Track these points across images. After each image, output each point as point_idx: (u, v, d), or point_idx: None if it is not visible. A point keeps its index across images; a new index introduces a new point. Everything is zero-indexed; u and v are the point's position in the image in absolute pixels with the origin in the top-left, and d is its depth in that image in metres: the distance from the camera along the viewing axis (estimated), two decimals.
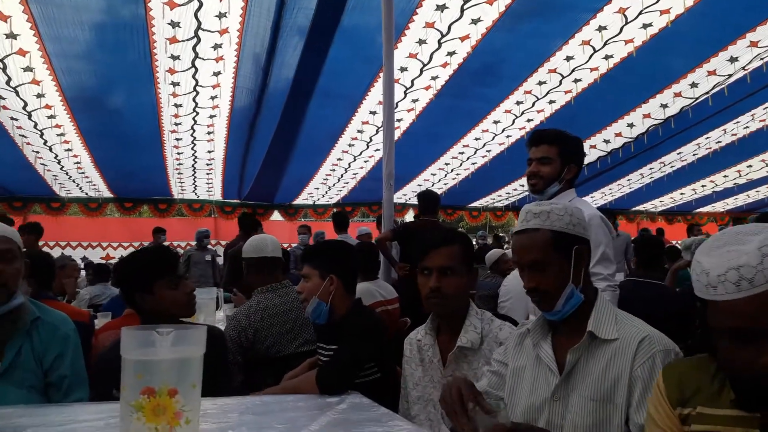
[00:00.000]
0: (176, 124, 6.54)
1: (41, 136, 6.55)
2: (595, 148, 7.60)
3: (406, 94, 6.12)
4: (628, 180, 9.60)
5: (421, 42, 5.20)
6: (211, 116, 6.43)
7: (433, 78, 5.85)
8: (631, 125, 6.98)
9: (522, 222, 1.58)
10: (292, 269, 6.37)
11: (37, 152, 7.10)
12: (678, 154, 8.20)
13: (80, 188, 8.92)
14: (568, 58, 5.46)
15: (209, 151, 7.50)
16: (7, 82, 5.30)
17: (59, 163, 7.52)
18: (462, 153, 7.99)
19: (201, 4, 4.52)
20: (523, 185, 9.00)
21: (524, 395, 1.59)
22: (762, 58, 5.26)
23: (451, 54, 5.39)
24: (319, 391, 1.95)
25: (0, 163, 7.38)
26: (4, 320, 1.85)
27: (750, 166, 9.08)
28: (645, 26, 4.91)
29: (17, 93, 5.51)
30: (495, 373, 1.71)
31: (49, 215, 9.15)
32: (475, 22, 4.90)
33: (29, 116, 6.02)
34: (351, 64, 5.49)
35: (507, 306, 4.39)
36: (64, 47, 4.98)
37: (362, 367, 2.08)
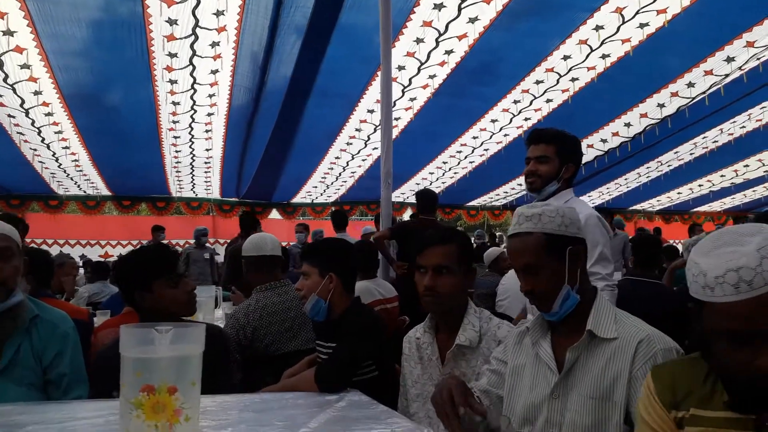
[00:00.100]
0: (174, 122, 6.53)
1: (39, 133, 6.55)
2: (593, 147, 7.62)
3: (404, 92, 6.13)
4: (626, 179, 9.62)
5: (418, 41, 5.21)
6: (209, 114, 6.43)
7: (431, 77, 5.86)
8: (628, 125, 7.00)
9: (515, 225, 1.58)
10: (290, 268, 6.38)
11: (35, 150, 7.09)
12: (675, 153, 8.23)
13: (78, 186, 8.91)
14: (566, 58, 5.48)
15: (207, 149, 7.50)
16: (4, 80, 5.29)
17: (57, 160, 7.51)
18: (460, 152, 8.00)
19: (198, 2, 4.53)
20: (521, 184, 9.02)
21: (523, 393, 1.60)
22: (758, 58, 5.28)
23: (448, 53, 5.40)
24: (318, 389, 1.96)
25: None
26: (3, 318, 1.85)
27: (747, 165, 9.12)
28: (642, 26, 4.92)
29: (14, 90, 5.51)
30: (494, 372, 1.72)
31: (47, 213, 9.15)
32: (472, 21, 4.91)
33: (27, 113, 6.02)
34: (348, 62, 5.50)
35: (505, 305, 4.40)
36: (62, 44, 4.98)
37: (361, 365, 2.09)
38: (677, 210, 12.02)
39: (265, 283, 3.00)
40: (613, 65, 5.51)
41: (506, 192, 10.17)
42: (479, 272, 5.16)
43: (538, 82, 5.98)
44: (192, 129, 6.79)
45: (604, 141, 7.49)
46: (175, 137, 6.98)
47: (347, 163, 8.32)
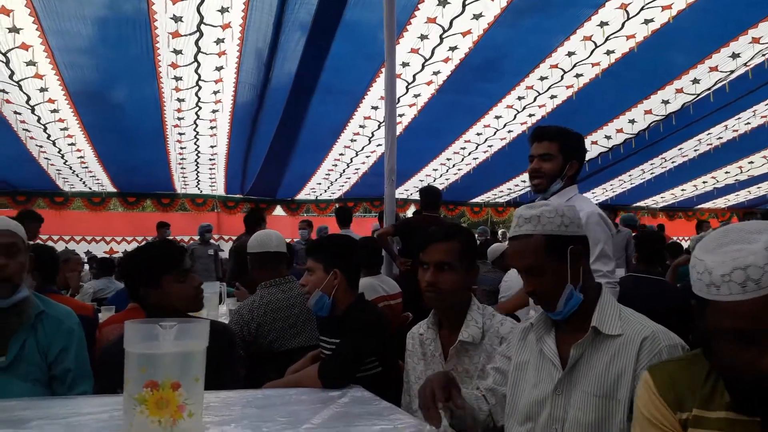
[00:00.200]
0: (179, 119, 6.55)
1: (45, 130, 6.57)
2: (597, 144, 7.60)
3: (407, 89, 6.13)
4: (629, 176, 9.59)
5: (422, 37, 5.20)
6: (214, 111, 6.44)
7: (435, 73, 5.85)
8: (632, 121, 6.98)
9: (515, 227, 1.58)
10: (294, 264, 6.40)
11: (41, 146, 7.12)
12: (679, 150, 8.20)
13: (83, 183, 8.94)
14: (570, 54, 5.46)
15: (212, 146, 7.52)
16: (11, 76, 5.31)
17: (63, 157, 7.54)
18: (464, 148, 7.99)
19: None
20: (524, 181, 9.01)
21: (527, 389, 1.61)
22: (764, 54, 5.25)
23: (452, 49, 5.39)
24: (322, 385, 1.97)
25: (4, 158, 7.40)
26: (8, 314, 1.87)
27: (751, 162, 9.07)
28: (646, 22, 4.91)
29: (20, 87, 5.53)
30: (498, 370, 1.73)
31: (53, 209, 9.18)
32: (476, 17, 4.90)
33: (32, 110, 6.04)
34: (353, 59, 5.50)
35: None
36: (67, 41, 5.00)
37: (364, 361, 2.09)
38: (681, 207, 11.98)
39: (269, 280, 3.01)
40: (618, 61, 5.49)
41: (510, 189, 10.16)
42: (482, 268, 5.16)
43: (542, 79, 5.97)
44: (197, 126, 6.80)
45: (608, 138, 7.47)
46: (180, 134, 6.99)
47: (351, 159, 8.32)
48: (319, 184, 9.60)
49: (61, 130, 6.63)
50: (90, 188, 9.27)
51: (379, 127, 6.97)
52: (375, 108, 6.56)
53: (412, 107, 6.61)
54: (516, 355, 1.69)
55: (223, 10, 4.69)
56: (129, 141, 7.12)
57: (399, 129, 6.51)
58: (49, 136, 6.77)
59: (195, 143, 7.37)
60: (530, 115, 6.84)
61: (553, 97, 6.36)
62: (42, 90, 5.65)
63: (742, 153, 8.61)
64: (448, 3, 4.74)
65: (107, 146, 7.31)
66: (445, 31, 5.10)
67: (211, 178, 9.13)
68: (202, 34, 4.95)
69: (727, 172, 9.60)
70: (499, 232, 12.57)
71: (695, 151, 8.32)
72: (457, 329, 1.92)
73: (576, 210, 1.61)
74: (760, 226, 1.04)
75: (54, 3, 4.47)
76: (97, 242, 10.10)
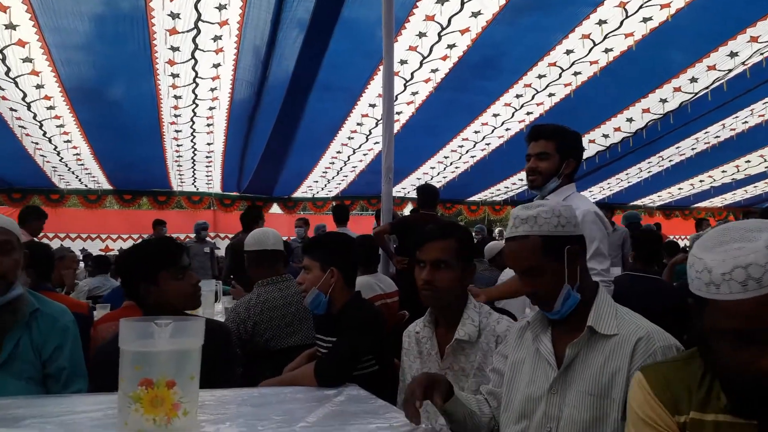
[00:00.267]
0: (176, 116, 6.53)
1: (40, 127, 6.55)
2: (594, 142, 7.60)
3: (405, 86, 6.12)
4: (627, 174, 9.60)
5: (421, 35, 5.19)
6: (211, 108, 6.42)
7: (433, 71, 5.84)
8: (630, 120, 6.98)
9: (511, 228, 1.58)
10: (290, 262, 6.39)
11: (37, 143, 7.10)
12: (676, 148, 8.21)
13: (79, 180, 8.92)
14: (568, 52, 5.46)
15: (209, 144, 7.50)
16: (7, 73, 5.29)
17: (58, 154, 7.52)
18: (461, 146, 7.99)
19: None
20: (522, 179, 9.01)
21: (522, 386, 1.61)
22: (762, 53, 5.26)
23: (451, 47, 5.38)
24: (318, 384, 1.96)
25: None
26: (2, 311, 1.85)
27: (748, 161, 9.09)
28: (645, 20, 4.90)
29: (16, 84, 5.50)
30: (496, 371, 1.73)
31: (49, 207, 9.10)
32: (475, 15, 4.90)
33: (28, 107, 6.02)
34: (351, 57, 5.49)
35: (504, 300, 4.40)
36: (64, 38, 4.97)
37: (360, 359, 2.09)
38: (678, 206, 11.99)
39: (266, 278, 3.01)
40: (616, 59, 5.49)
41: (507, 187, 10.16)
42: (480, 267, 5.16)
43: (540, 77, 5.96)
44: (193, 123, 6.78)
45: (605, 136, 7.47)
46: (177, 131, 6.97)
47: (348, 157, 8.31)
48: (316, 182, 9.59)
49: (57, 127, 6.61)
50: (86, 185, 9.25)
51: (376, 124, 6.96)
52: (372, 106, 6.55)
53: (410, 105, 6.60)
54: (512, 353, 1.69)
55: (220, 7, 4.67)
56: (125, 138, 7.10)
57: (396, 127, 6.50)
58: (45, 133, 6.75)
59: (191, 140, 7.35)
60: (528, 113, 6.84)
61: (551, 95, 6.35)
62: (38, 87, 5.63)
63: (740, 152, 8.63)
64: (447, 0, 4.73)
65: (103, 143, 7.29)
66: (443, 29, 5.10)
67: (207, 176, 9.11)
68: (199, 31, 4.93)
69: (724, 171, 9.62)
70: (496, 230, 12.58)
71: (692, 149, 8.34)
72: (454, 327, 1.92)
73: (572, 209, 1.61)
74: (760, 225, 1.03)
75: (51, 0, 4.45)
76: (92, 240, 10.07)
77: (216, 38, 5.05)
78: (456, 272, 1.93)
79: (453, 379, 1.88)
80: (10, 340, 1.87)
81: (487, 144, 7.86)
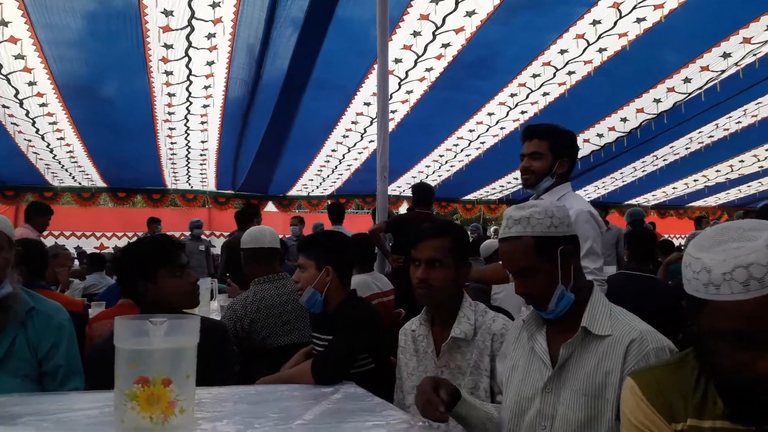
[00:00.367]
0: (169, 114, 6.51)
1: (33, 124, 6.51)
2: (589, 142, 7.62)
3: (400, 85, 6.12)
4: (621, 173, 9.63)
5: (415, 34, 5.19)
6: (205, 106, 6.40)
7: (428, 70, 5.84)
8: (624, 119, 7.00)
9: (504, 229, 1.59)
10: (285, 260, 6.39)
11: (29, 141, 7.05)
12: (670, 148, 8.24)
13: (73, 177, 8.86)
14: (562, 52, 5.48)
15: (203, 141, 7.47)
16: None
17: (51, 151, 7.47)
18: (456, 145, 8.00)
19: None
20: (516, 178, 9.02)
21: (517, 385, 1.62)
22: (755, 54, 5.28)
23: (445, 46, 5.39)
24: (314, 381, 1.97)
25: None
26: None
27: (742, 161, 9.13)
28: (639, 20, 4.92)
29: (8, 80, 5.47)
30: (502, 373, 1.76)
31: None
32: (469, 14, 4.90)
33: (21, 104, 5.98)
34: (345, 55, 5.49)
35: (500, 298, 4.42)
36: (56, 35, 4.95)
37: (357, 357, 2.09)
38: (672, 205, 12.04)
39: (263, 276, 3.01)
40: (610, 59, 5.50)
41: (502, 186, 10.17)
42: (474, 265, 5.16)
43: (534, 76, 5.97)
44: (187, 121, 6.76)
45: (600, 135, 7.49)
46: (171, 129, 6.95)
47: (343, 156, 8.30)
48: (311, 180, 9.58)
49: (50, 124, 6.57)
50: (79, 183, 9.19)
51: (371, 123, 6.96)
52: (367, 104, 6.55)
53: (404, 104, 6.60)
54: (511, 353, 1.70)
55: (214, 5, 4.66)
56: (119, 136, 7.07)
57: (391, 125, 6.50)
58: (37, 131, 6.71)
59: (186, 138, 7.32)
60: (522, 113, 6.85)
61: (545, 94, 6.37)
62: (31, 84, 5.59)
63: (733, 152, 8.67)
64: (441, 0, 4.74)
65: (97, 141, 7.26)
66: (438, 28, 5.10)
67: (202, 174, 9.08)
68: (193, 29, 4.92)
69: (717, 171, 9.66)
70: (491, 229, 12.60)
71: (686, 149, 8.37)
72: (449, 326, 1.93)
73: (565, 210, 1.61)
74: (757, 224, 1.01)
75: None
76: (87, 237, 10.04)
77: (210, 36, 5.04)
78: (451, 271, 1.94)
79: (449, 377, 1.89)
80: (5, 338, 1.87)
81: (482, 143, 7.87)
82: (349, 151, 8.08)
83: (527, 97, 6.43)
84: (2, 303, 1.86)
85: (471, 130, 7.46)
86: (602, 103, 6.69)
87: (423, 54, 5.51)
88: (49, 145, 7.20)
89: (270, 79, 5.70)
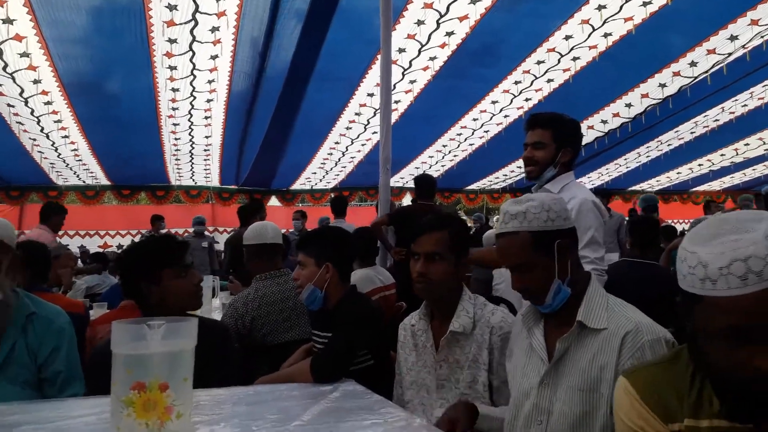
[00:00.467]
0: (173, 109, 6.49)
1: (38, 122, 6.51)
2: (593, 128, 7.58)
3: (404, 75, 6.08)
4: (625, 159, 9.57)
5: (419, 23, 5.16)
6: (209, 101, 6.39)
7: (432, 59, 5.81)
8: (629, 105, 6.95)
9: (501, 224, 1.58)
10: (288, 256, 6.37)
11: (34, 140, 7.06)
12: (675, 132, 8.17)
13: (77, 176, 8.87)
14: (567, 37, 5.43)
15: (207, 137, 7.46)
16: (4, 68, 5.25)
17: (56, 150, 7.48)
18: (460, 134, 7.96)
19: None
20: (520, 167, 8.98)
21: (517, 378, 1.63)
22: (762, 36, 5.21)
23: (449, 34, 5.35)
24: (314, 380, 1.95)
25: None
26: None
27: (747, 144, 9.04)
28: (645, 4, 4.87)
29: (14, 79, 5.47)
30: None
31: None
32: (473, 2, 4.87)
33: (26, 103, 5.98)
34: (349, 46, 5.45)
35: (501, 288, 4.39)
36: (61, 32, 4.94)
37: (357, 354, 2.08)
38: (676, 190, 11.96)
39: (265, 272, 3.00)
40: (615, 44, 5.46)
41: (506, 175, 10.13)
42: None
43: (539, 63, 5.93)
44: (191, 116, 6.75)
45: (604, 122, 7.44)
46: (175, 124, 6.94)
47: (347, 148, 8.28)
48: (314, 173, 9.56)
49: (55, 122, 6.57)
50: (84, 181, 9.20)
51: (374, 114, 6.92)
52: (371, 95, 6.51)
53: (408, 93, 6.57)
54: (515, 349, 1.71)
55: None
56: (123, 133, 7.06)
57: (395, 116, 6.48)
58: (42, 129, 6.71)
59: (189, 134, 7.31)
60: (527, 100, 6.81)
61: (549, 80, 6.32)
62: (35, 82, 5.59)
63: (738, 135, 8.58)
64: None
65: (101, 138, 7.25)
66: (441, 16, 5.06)
67: (205, 169, 9.07)
68: (197, 23, 4.90)
69: (722, 155, 9.58)
70: (493, 218, 12.56)
71: (691, 133, 8.30)
72: (449, 319, 1.92)
73: (563, 202, 1.61)
74: (755, 215, 0.96)
75: None
76: (91, 236, 10.06)
77: (214, 29, 5.01)
78: (450, 264, 1.92)
79: (448, 371, 1.89)
80: (5, 344, 1.86)
81: (486, 131, 7.83)
82: (352, 143, 8.05)
83: (531, 84, 6.39)
84: None
85: (475, 119, 7.42)
86: (607, 88, 6.64)
87: (427, 43, 5.47)
88: (53, 143, 7.21)
89: (274, 71, 5.68)
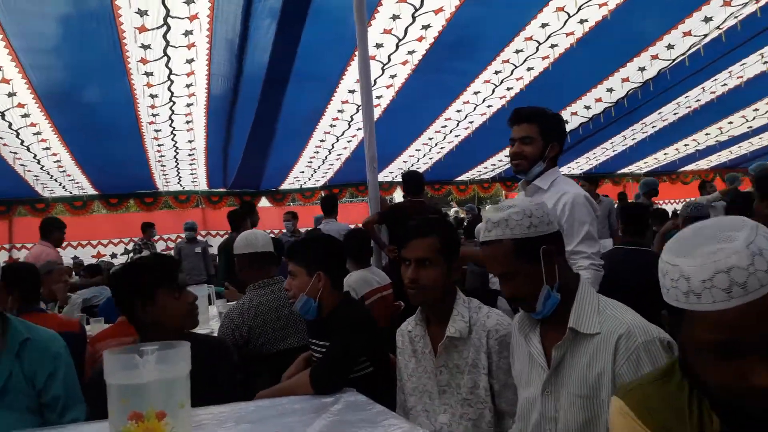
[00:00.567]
0: (154, 115, 6.43)
1: (17, 136, 6.43)
2: (576, 114, 7.59)
3: (383, 70, 6.06)
4: (612, 143, 9.60)
5: (395, 17, 5.13)
6: (188, 105, 6.33)
7: (410, 53, 5.79)
8: (610, 90, 6.97)
9: (484, 232, 1.56)
10: (283, 258, 6.34)
11: (15, 153, 6.98)
12: (659, 114, 8.21)
13: (63, 187, 8.78)
14: (544, 25, 5.43)
15: (190, 141, 7.40)
16: None
17: (39, 162, 7.39)
18: (445, 126, 7.95)
19: None
20: (507, 156, 8.98)
21: (522, 387, 1.62)
22: (736, 17, 5.24)
23: (426, 27, 5.33)
24: (314, 392, 1.94)
25: None
26: None
27: (731, 122, 9.11)
28: None
29: None
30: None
31: (35, 217, 8.96)
32: None
33: (2, 116, 5.90)
34: (326, 44, 5.41)
35: (497, 281, 4.40)
36: (30, 43, 4.86)
37: (356, 360, 2.06)
38: (665, 171, 12.02)
39: (258, 281, 2.98)
40: (592, 30, 5.46)
41: (494, 164, 10.14)
42: (470, 247, 5.14)
43: (517, 52, 5.92)
44: (172, 121, 6.69)
45: (587, 107, 7.46)
46: (156, 130, 6.88)
47: (332, 145, 8.25)
48: (302, 172, 9.52)
49: (34, 134, 6.49)
50: (71, 192, 9.11)
51: (357, 111, 6.89)
52: (352, 91, 6.48)
53: (389, 88, 6.54)
54: (517, 354, 1.70)
55: (188, 1, 4.58)
56: (105, 141, 6.99)
57: (378, 111, 6.46)
58: (22, 142, 6.63)
59: (172, 139, 7.26)
60: (508, 89, 6.80)
61: (529, 69, 6.31)
62: (10, 95, 5.51)
63: (721, 114, 8.64)
64: None
65: (83, 148, 7.17)
66: (416, 10, 5.04)
67: (192, 174, 9.01)
68: (169, 27, 4.84)
69: (707, 134, 9.64)
70: (486, 208, 12.54)
71: (675, 114, 8.34)
72: (445, 324, 1.91)
73: (545, 207, 1.59)
74: (736, 222, 0.92)
75: (12, 1, 4.32)
76: (83, 247, 9.97)
77: (187, 33, 4.96)
78: (440, 269, 1.91)
79: (448, 376, 1.88)
80: (1, 373, 1.84)
81: (470, 122, 7.83)
82: (337, 140, 8.03)
83: (512, 73, 6.38)
84: None
85: (458, 111, 7.42)
86: (587, 74, 6.65)
87: (404, 37, 5.45)
88: (35, 156, 7.12)
89: (252, 72, 5.63)
